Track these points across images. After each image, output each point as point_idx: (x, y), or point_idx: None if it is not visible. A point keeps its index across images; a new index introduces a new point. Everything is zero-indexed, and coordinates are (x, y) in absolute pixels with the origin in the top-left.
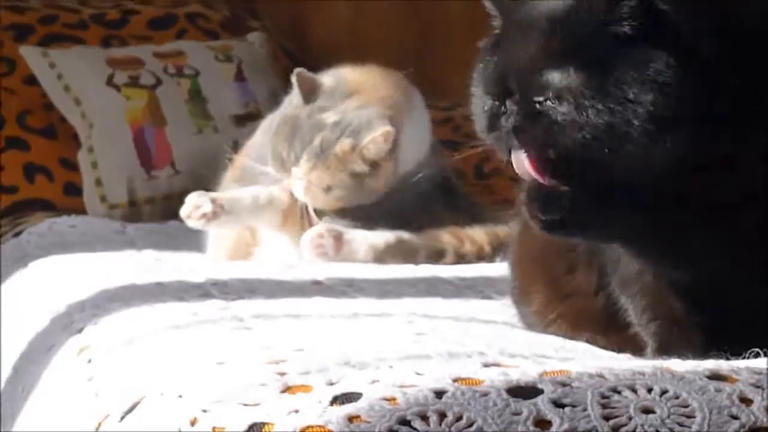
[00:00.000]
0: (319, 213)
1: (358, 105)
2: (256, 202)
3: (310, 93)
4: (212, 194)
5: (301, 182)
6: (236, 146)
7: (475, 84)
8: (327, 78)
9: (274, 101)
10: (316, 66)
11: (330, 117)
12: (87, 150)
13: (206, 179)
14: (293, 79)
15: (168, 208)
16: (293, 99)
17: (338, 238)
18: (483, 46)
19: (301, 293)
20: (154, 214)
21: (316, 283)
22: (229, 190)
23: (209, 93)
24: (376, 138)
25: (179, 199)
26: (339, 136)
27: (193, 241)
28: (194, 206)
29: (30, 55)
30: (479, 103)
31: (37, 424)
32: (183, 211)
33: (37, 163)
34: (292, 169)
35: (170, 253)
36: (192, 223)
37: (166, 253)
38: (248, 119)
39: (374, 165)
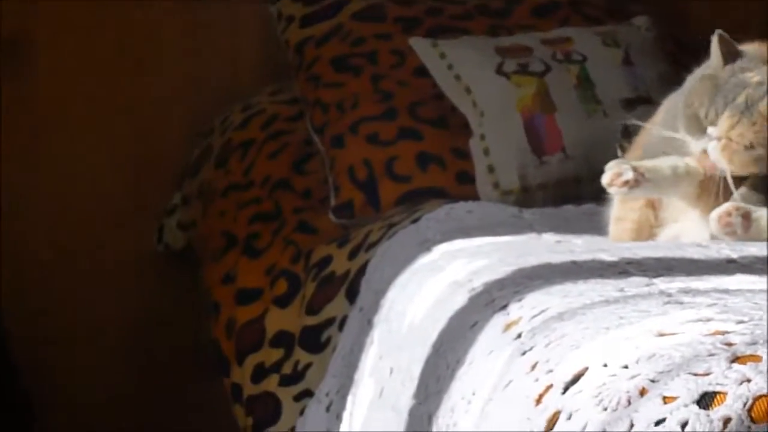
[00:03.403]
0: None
1: None
2: (675, 171)
3: (730, 54)
4: (633, 162)
5: (718, 142)
6: (626, 130)
7: None
8: (745, 46)
9: (663, 85)
10: (701, 50)
11: (754, 77)
12: (479, 138)
13: (597, 163)
14: (713, 39)
15: (560, 193)
16: (711, 62)
17: (747, 217)
18: None
19: (718, 271)
20: (546, 199)
21: (731, 261)
22: (644, 161)
23: (597, 78)
24: None
25: (572, 185)
26: (763, 95)
27: (590, 225)
28: (616, 174)
29: (420, 46)
30: None
31: (470, 399)
32: (605, 179)
33: (430, 152)
34: (708, 129)
35: (571, 236)
36: (614, 190)
37: (566, 236)
38: (637, 103)
39: None
